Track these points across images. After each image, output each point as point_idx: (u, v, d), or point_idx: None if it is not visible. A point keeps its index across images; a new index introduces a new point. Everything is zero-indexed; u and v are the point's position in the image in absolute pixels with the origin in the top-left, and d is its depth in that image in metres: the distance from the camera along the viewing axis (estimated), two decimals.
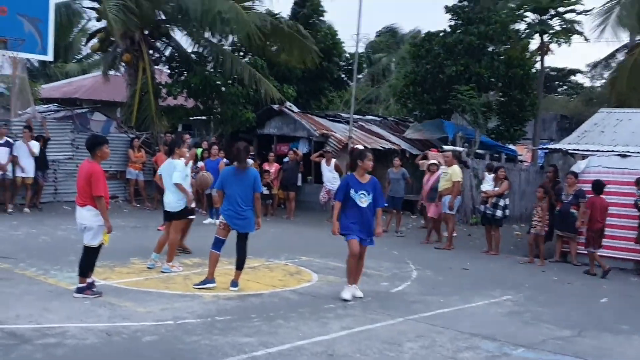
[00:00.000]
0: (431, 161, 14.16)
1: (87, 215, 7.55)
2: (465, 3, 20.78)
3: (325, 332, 6.64)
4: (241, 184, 8.15)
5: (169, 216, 9.37)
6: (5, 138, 14.34)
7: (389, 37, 35.32)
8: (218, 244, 8.28)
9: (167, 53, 20.08)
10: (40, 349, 5.61)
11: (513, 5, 22.45)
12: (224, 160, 14.87)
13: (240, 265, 8.30)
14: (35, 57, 18.10)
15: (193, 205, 10.01)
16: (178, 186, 9.17)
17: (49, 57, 16.07)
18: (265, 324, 6.77)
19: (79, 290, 7.54)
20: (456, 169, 13.21)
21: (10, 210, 14.26)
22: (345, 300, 7.90)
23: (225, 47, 19.75)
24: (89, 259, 7.65)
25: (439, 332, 6.89)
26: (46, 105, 21.24)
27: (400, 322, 7.13)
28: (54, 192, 16.02)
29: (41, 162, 15.14)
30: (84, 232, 7.65)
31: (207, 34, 19.36)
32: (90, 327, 6.33)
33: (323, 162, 16.17)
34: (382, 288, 9.03)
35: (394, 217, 15.07)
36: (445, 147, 16.99)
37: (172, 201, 9.25)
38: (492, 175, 13.35)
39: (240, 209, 8.13)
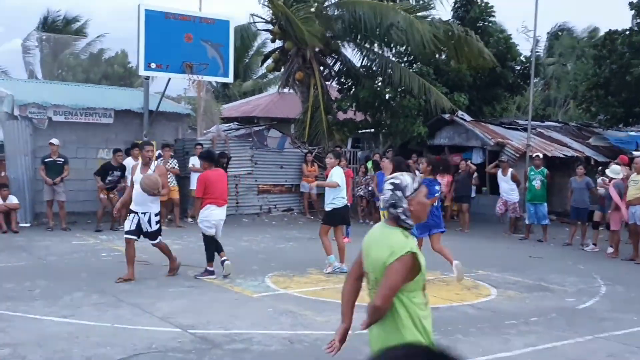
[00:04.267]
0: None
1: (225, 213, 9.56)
2: None
3: (507, 348, 6.35)
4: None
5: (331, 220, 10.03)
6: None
7: (564, 37, 33.29)
8: None
9: (336, 68, 20.56)
10: (230, 354, 5.92)
11: None
12: None
13: None
14: (217, 80, 19.40)
15: None
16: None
17: (230, 79, 17.13)
18: (443, 338, 6.60)
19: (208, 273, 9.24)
20: None
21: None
22: None
23: (393, 59, 19.82)
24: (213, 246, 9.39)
25: (633, 352, 6.32)
26: (227, 124, 22.67)
27: (589, 340, 6.64)
28: (235, 206, 16.99)
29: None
30: (219, 227, 9.40)
31: (376, 48, 19.61)
32: (274, 334, 6.58)
33: (499, 172, 15.59)
34: (567, 304, 8.48)
35: (579, 229, 14.13)
36: (635, 153, 15.67)
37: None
38: None
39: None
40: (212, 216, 9.33)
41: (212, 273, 9.27)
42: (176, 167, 15.18)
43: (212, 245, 9.39)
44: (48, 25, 31.63)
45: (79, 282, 8.72)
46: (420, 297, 3.40)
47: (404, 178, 3.46)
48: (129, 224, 9.05)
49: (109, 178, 14.06)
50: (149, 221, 9.00)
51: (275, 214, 17.51)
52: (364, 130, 21.12)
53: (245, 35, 21.18)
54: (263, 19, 20.01)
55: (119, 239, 12.79)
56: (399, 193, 3.42)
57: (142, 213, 8.97)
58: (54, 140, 13.83)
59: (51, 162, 13.75)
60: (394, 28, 17.57)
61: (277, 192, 17.90)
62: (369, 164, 17.45)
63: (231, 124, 22.97)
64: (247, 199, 17.27)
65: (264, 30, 21.10)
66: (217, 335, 6.47)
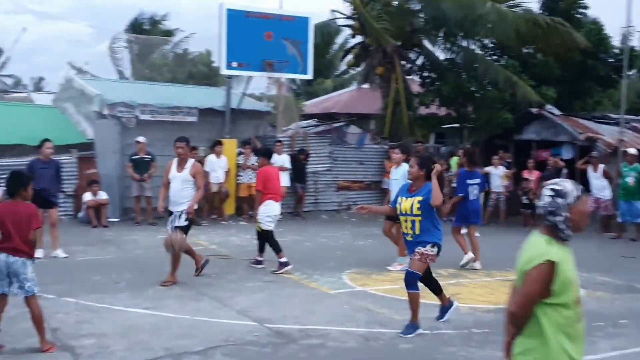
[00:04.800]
0: None
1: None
2: None
3: (593, 351, 6.03)
4: None
5: None
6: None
7: None
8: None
9: (418, 62, 20.27)
10: (305, 349, 5.92)
11: None
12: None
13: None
14: (296, 77, 19.54)
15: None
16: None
17: (309, 76, 17.23)
18: None
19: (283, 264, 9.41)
20: None
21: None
22: None
23: (478, 52, 19.33)
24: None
25: None
26: (307, 121, 22.80)
27: None
28: (314, 202, 17.07)
29: (300, 174, 16.27)
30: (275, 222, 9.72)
31: (461, 41, 19.18)
32: (350, 331, 6.53)
33: (589, 168, 14.90)
34: None
35: None
36: None
37: None
38: None
39: None
40: (272, 211, 9.62)
41: (287, 264, 9.35)
42: (256, 164, 15.38)
43: (273, 239, 9.56)
44: (137, 26, 32.78)
45: (162, 276, 8.92)
46: (569, 310, 3.18)
47: (566, 184, 3.24)
48: (170, 226, 8.70)
49: None
50: (179, 216, 8.56)
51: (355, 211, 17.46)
52: (448, 125, 20.73)
53: (326, 31, 21.20)
54: (344, 14, 19.99)
55: (202, 234, 13.10)
56: (560, 200, 3.20)
57: (177, 212, 8.56)
58: (141, 138, 14.33)
59: (138, 159, 14.26)
60: (482, 20, 17.12)
61: (357, 189, 17.84)
62: (453, 161, 17.08)
63: (310, 120, 23.10)
64: (326, 195, 17.32)
65: (344, 26, 21.07)
66: (292, 330, 6.49)
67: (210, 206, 15.24)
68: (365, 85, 20.94)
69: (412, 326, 6.52)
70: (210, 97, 17.43)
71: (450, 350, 5.98)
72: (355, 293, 8.29)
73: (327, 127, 20.42)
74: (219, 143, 14.88)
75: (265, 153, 10.25)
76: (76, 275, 8.86)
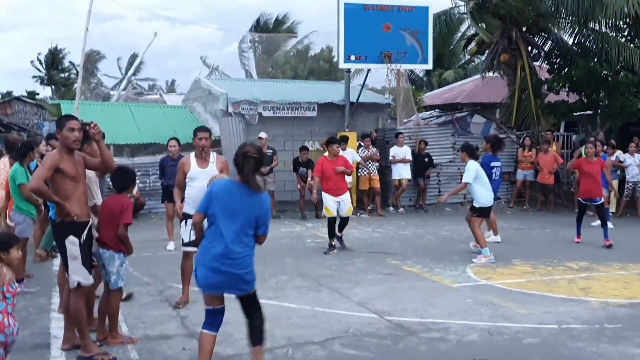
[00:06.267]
0: None
1: None
2: None
3: None
4: None
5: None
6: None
7: None
8: None
9: (546, 48, 19.36)
10: (425, 342, 5.82)
11: None
12: None
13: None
14: (416, 67, 19.28)
15: None
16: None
17: (429, 66, 16.95)
18: None
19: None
20: None
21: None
22: None
23: (611, 34, 18.14)
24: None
25: None
26: (429, 112, 22.44)
27: None
28: (437, 194, 16.74)
29: (423, 166, 16.02)
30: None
31: (592, 24, 18.08)
32: (472, 324, 6.34)
33: None
34: None
35: None
36: None
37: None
38: None
39: None
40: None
41: (333, 247, 10.44)
42: (377, 154, 15.35)
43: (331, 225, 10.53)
44: (260, 27, 33.78)
45: (284, 266, 9.17)
46: None
47: None
48: (187, 234, 6.99)
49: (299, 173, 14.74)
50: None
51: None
52: (579, 113, 19.64)
53: (449, 20, 20.73)
54: (465, 0, 19.42)
55: (323, 227, 13.24)
56: None
57: None
58: (263, 135, 14.72)
59: None
60: (593, 2, 16.05)
61: None
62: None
63: (432, 111, 22.70)
64: (449, 187, 16.88)
65: (465, 13, 20.49)
66: (412, 323, 6.39)
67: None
68: (490, 74, 20.25)
69: None
70: (330, 91, 17.62)
71: (578, 346, 5.66)
72: (479, 286, 8.04)
73: (449, 117, 19.95)
74: (344, 139, 14.94)
75: (334, 141, 10.89)
76: None
